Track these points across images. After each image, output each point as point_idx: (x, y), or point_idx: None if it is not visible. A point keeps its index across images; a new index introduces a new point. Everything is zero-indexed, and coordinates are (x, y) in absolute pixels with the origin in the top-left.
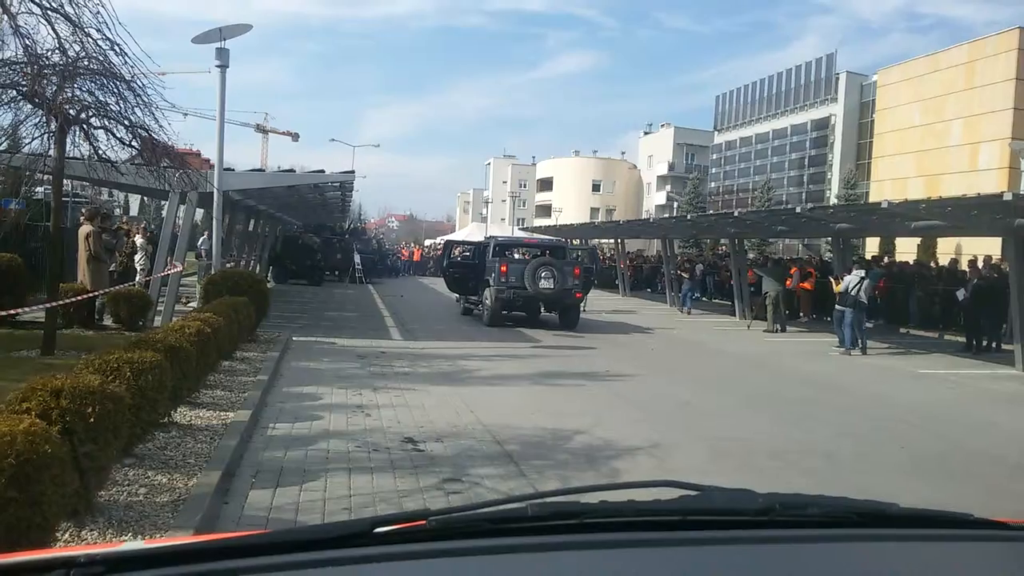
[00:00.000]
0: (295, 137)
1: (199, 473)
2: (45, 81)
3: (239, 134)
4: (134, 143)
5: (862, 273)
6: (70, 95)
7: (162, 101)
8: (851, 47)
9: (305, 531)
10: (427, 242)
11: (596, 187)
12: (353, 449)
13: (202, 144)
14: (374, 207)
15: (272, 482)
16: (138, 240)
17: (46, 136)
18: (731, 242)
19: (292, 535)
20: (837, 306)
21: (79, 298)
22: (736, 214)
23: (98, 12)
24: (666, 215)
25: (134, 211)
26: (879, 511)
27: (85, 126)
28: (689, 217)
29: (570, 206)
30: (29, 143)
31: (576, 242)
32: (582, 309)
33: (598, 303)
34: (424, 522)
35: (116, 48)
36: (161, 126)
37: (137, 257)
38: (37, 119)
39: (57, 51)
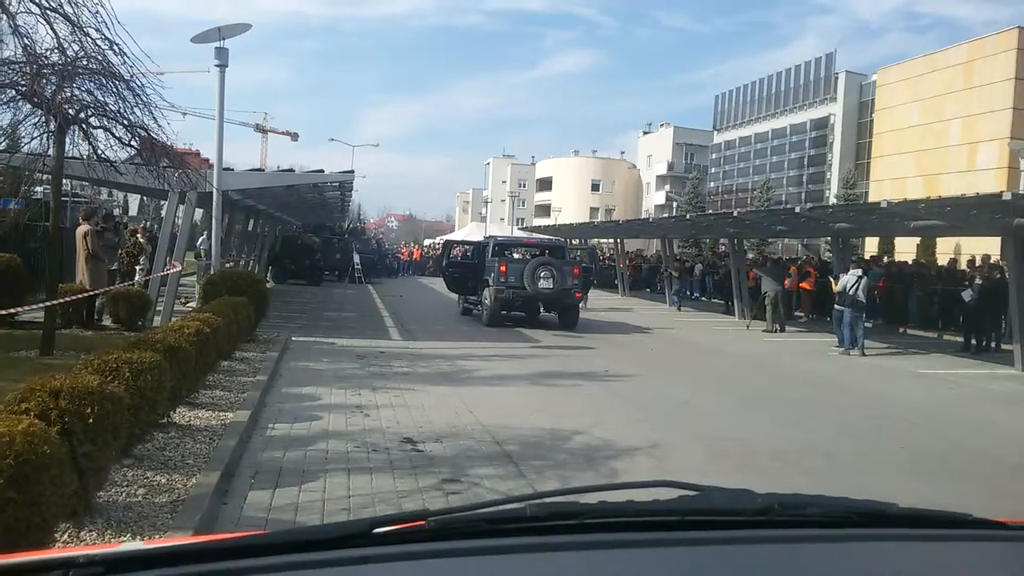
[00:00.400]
0: (294, 137)
1: (198, 474)
2: (44, 81)
3: (238, 134)
4: (133, 143)
5: (859, 272)
6: (69, 95)
7: (161, 101)
8: (850, 47)
9: (304, 532)
10: (426, 242)
11: (595, 187)
12: (352, 449)
13: (201, 144)
14: (373, 207)
15: (271, 483)
16: (141, 240)
17: (45, 136)
18: (730, 242)
19: (291, 536)
20: (836, 306)
21: (78, 296)
22: (735, 214)
23: (97, 11)
24: (665, 215)
25: (133, 211)
26: (878, 511)
27: (84, 126)
28: (688, 217)
29: (569, 206)
30: (28, 143)
31: (575, 242)
32: (584, 307)
33: (597, 303)
34: (423, 523)
35: (115, 48)
36: (160, 126)
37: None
38: (36, 119)
39: (56, 51)
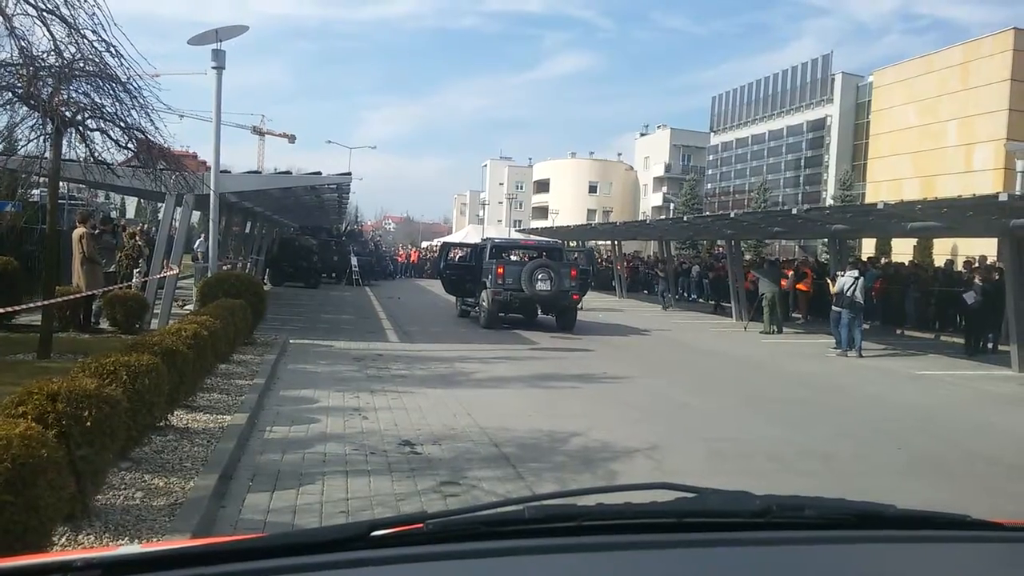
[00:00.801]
0: (292, 139)
1: (196, 476)
2: (41, 83)
3: (236, 136)
4: (130, 145)
5: (856, 274)
6: (66, 97)
7: (158, 103)
8: (847, 48)
9: (302, 535)
10: (424, 244)
11: (593, 189)
12: (350, 452)
13: (198, 146)
14: (371, 209)
15: (269, 485)
16: (139, 243)
17: (42, 138)
18: (727, 244)
19: (289, 539)
20: (833, 307)
21: (72, 297)
22: (732, 215)
23: (94, 14)
24: (662, 216)
25: (131, 213)
26: (876, 512)
27: (81, 128)
28: (685, 219)
29: (566, 208)
30: (25, 145)
31: (573, 244)
32: (580, 308)
33: (595, 305)
34: (421, 525)
35: (112, 50)
36: (157, 128)
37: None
38: (33, 121)
39: (53, 53)
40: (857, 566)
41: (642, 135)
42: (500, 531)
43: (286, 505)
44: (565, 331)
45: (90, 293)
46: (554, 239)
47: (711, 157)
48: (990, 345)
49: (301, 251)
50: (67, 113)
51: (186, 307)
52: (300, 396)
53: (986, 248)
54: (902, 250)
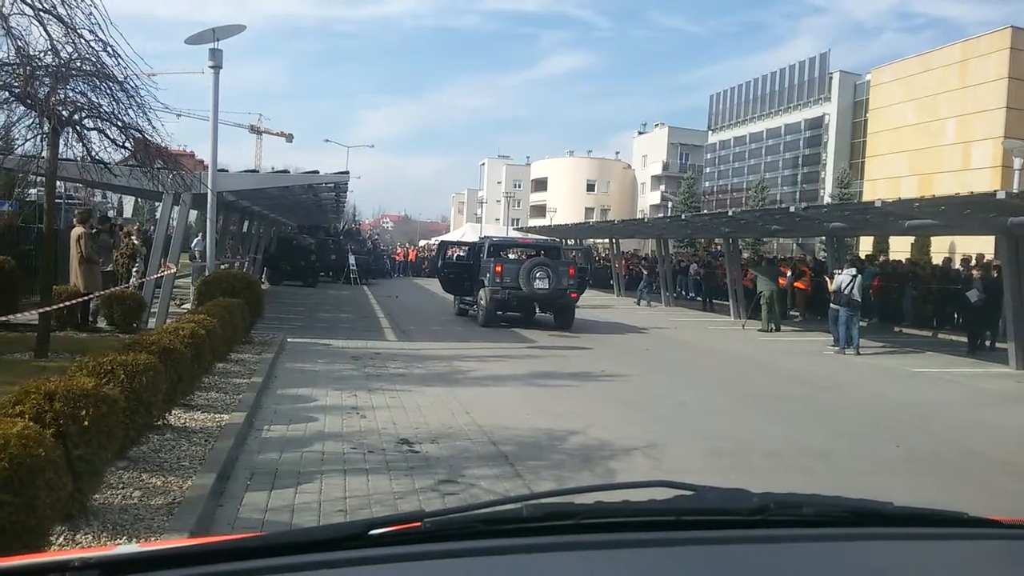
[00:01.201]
0: (289, 138)
1: (194, 476)
2: (38, 82)
3: (233, 135)
4: (127, 144)
5: (853, 271)
6: (63, 96)
7: (155, 102)
8: (844, 47)
9: (300, 533)
10: (422, 243)
11: (591, 187)
12: (348, 451)
13: (196, 145)
14: (369, 208)
15: (267, 484)
16: (135, 242)
17: (39, 138)
18: (725, 242)
19: (287, 537)
20: (831, 305)
21: (73, 301)
22: (730, 213)
23: (91, 13)
24: (660, 215)
25: (128, 212)
26: (874, 510)
27: (78, 127)
28: (683, 217)
29: (565, 206)
30: (22, 145)
31: (571, 242)
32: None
33: (593, 303)
34: (419, 524)
35: (109, 49)
36: (154, 127)
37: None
38: (30, 120)
39: (50, 52)
40: (854, 563)
41: (640, 133)
42: (498, 529)
43: (284, 504)
44: (563, 329)
45: (90, 296)
46: (552, 237)
47: (709, 155)
48: (988, 343)
49: (299, 250)
50: (64, 112)
51: (184, 306)
52: (298, 395)
53: (984, 246)
54: (900, 248)
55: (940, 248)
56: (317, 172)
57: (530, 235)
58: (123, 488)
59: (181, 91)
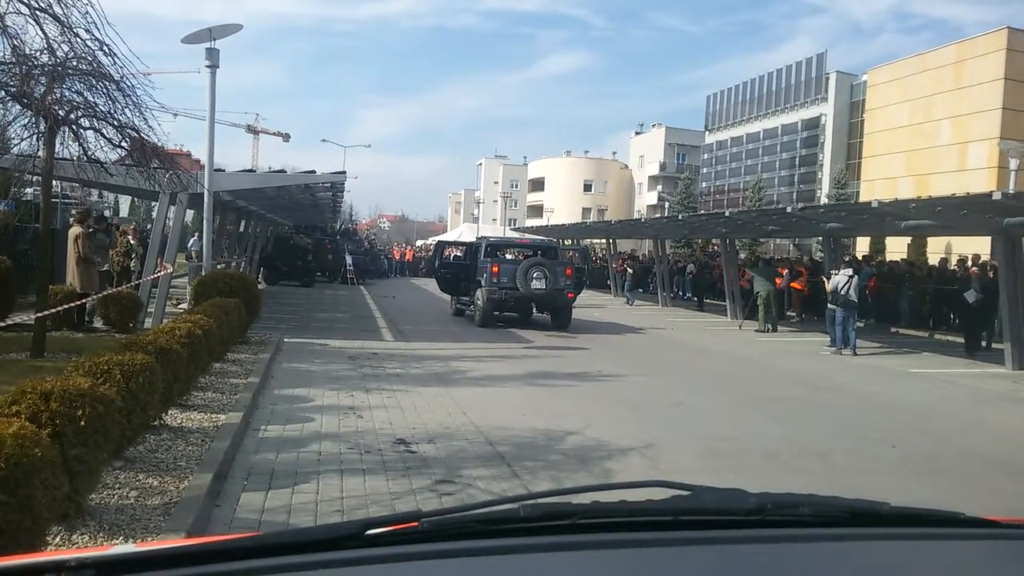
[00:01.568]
0: (286, 138)
1: (190, 476)
2: (34, 81)
3: (230, 135)
4: (124, 144)
5: (850, 272)
6: (59, 95)
7: (152, 101)
8: (842, 47)
9: (297, 533)
10: (418, 243)
11: (587, 187)
12: (345, 451)
13: (192, 145)
14: (365, 208)
15: (264, 484)
16: (131, 241)
17: (35, 137)
18: (722, 242)
19: (284, 537)
20: (829, 305)
21: (72, 304)
22: (727, 214)
23: (87, 12)
24: (657, 215)
25: (124, 212)
26: (871, 510)
27: (74, 127)
28: (680, 217)
29: (561, 206)
30: (18, 144)
31: (568, 242)
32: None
33: (590, 303)
34: (416, 524)
35: (105, 48)
36: (151, 127)
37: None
38: (26, 120)
39: (46, 51)
40: (851, 563)
41: (637, 134)
42: (495, 529)
43: (281, 504)
44: (560, 329)
45: (88, 298)
46: (549, 238)
47: (706, 156)
48: (984, 343)
49: (296, 250)
50: (60, 112)
51: (180, 306)
52: (295, 395)
53: (980, 247)
54: (896, 248)
55: (936, 249)
56: (314, 172)
57: (527, 235)
58: (119, 488)
59: (177, 90)
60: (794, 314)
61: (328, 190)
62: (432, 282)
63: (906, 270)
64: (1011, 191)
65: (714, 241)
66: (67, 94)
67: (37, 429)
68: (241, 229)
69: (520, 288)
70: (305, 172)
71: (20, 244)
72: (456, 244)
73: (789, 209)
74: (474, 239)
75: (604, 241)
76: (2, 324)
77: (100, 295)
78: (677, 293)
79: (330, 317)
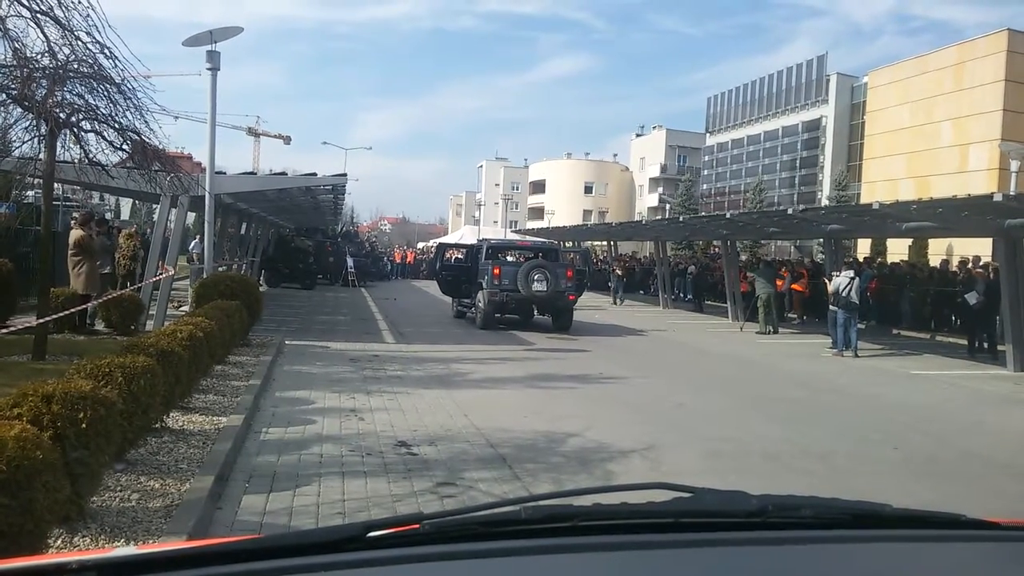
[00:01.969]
0: (287, 140)
1: (192, 478)
2: (35, 84)
3: (231, 137)
4: (125, 146)
5: (851, 274)
6: (60, 98)
7: (153, 104)
8: (842, 49)
9: (298, 536)
10: (420, 245)
11: (588, 189)
12: (346, 453)
13: (193, 147)
14: (366, 210)
15: (265, 487)
16: (137, 245)
17: (36, 140)
18: (723, 244)
19: (285, 540)
20: (830, 307)
21: (75, 309)
22: (728, 216)
23: (88, 15)
24: (658, 217)
25: (125, 215)
26: (872, 512)
27: (75, 129)
28: (681, 219)
29: (562, 208)
30: (19, 147)
31: (569, 244)
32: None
33: (591, 305)
34: (418, 526)
35: (106, 51)
36: (152, 129)
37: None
38: (27, 122)
39: (47, 54)
40: (853, 565)
41: (638, 136)
42: (497, 531)
43: (282, 507)
44: (561, 331)
45: (88, 299)
46: (550, 240)
47: (707, 158)
48: (985, 345)
49: (297, 252)
50: (61, 114)
51: (181, 308)
52: (296, 397)
53: (981, 248)
54: (897, 250)
55: (938, 250)
56: (315, 174)
57: (528, 237)
58: (121, 491)
59: (178, 93)
60: (795, 316)
61: (329, 192)
62: (433, 284)
63: (907, 272)
64: (1012, 193)
65: (715, 243)
66: (68, 97)
67: (39, 432)
68: (242, 232)
69: (521, 290)
70: (306, 175)
71: (21, 247)
72: (457, 246)
73: (790, 211)
74: (475, 241)
75: (605, 243)
76: (5, 331)
77: (102, 299)
78: (678, 295)
79: (331, 319)
